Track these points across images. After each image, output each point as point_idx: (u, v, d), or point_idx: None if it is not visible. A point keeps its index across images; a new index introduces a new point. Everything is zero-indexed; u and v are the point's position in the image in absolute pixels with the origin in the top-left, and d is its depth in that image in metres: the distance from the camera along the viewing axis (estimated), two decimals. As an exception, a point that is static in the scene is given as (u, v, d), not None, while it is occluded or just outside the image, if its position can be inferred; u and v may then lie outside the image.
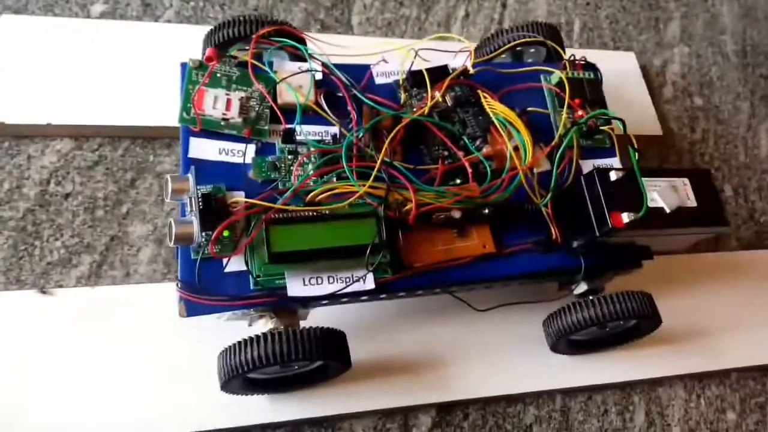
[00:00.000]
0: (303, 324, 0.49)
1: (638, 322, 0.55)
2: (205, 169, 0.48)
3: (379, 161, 0.47)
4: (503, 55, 0.65)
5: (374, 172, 0.47)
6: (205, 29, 0.57)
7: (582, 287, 0.56)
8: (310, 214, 0.46)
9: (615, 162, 0.58)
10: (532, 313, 0.57)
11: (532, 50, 0.65)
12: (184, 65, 0.50)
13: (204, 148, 0.49)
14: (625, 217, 0.47)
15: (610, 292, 0.54)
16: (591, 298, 0.54)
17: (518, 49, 0.65)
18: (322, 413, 0.54)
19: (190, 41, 0.58)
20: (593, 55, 0.63)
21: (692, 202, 0.50)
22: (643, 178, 0.49)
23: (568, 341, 0.56)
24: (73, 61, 0.50)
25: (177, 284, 0.45)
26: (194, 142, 0.49)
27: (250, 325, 0.50)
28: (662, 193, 0.49)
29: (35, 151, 0.60)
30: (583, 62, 0.62)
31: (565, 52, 0.65)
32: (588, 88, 0.59)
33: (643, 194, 0.47)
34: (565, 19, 0.81)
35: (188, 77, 0.50)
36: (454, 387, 0.56)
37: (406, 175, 0.49)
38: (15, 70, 0.61)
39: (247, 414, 0.52)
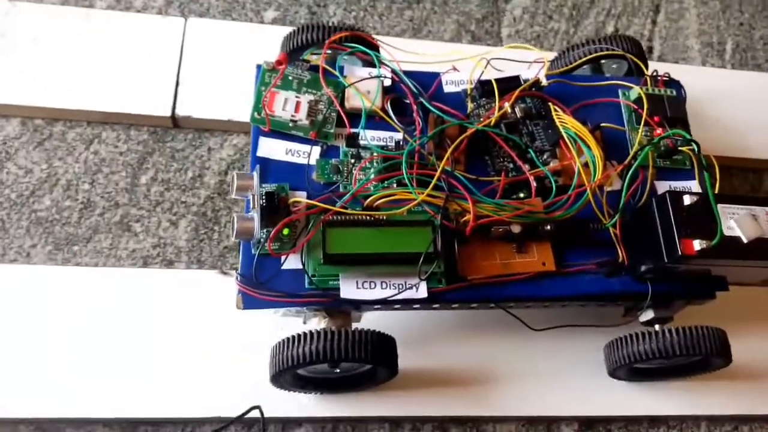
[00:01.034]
0: (355, 326, 0.50)
1: (707, 358, 0.52)
2: (271, 168, 0.50)
3: (439, 170, 0.47)
4: (583, 68, 0.63)
5: (434, 181, 0.47)
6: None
7: (648, 315, 0.53)
8: (367, 218, 0.47)
9: (693, 185, 0.55)
10: (591, 337, 0.55)
11: (614, 65, 0.63)
12: (259, 67, 0.52)
13: (272, 148, 0.51)
14: (697, 245, 0.45)
15: (681, 322, 0.51)
16: (658, 328, 0.52)
17: (602, 62, 0.63)
18: (358, 413, 0.54)
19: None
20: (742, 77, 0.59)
21: (775, 233, 0.47)
22: (720, 205, 0.47)
23: (629, 369, 0.54)
24: (248, 62, 0.53)
25: (236, 277, 0.46)
26: (263, 141, 0.51)
27: (304, 322, 0.51)
28: (740, 222, 0.46)
29: (215, 143, 0.65)
30: (666, 78, 0.59)
31: (647, 67, 0.62)
32: (669, 105, 0.56)
33: (718, 221, 0.45)
34: (717, 38, 0.79)
35: (261, 79, 0.52)
36: (498, 403, 0.55)
37: (466, 186, 0.48)
38: (201, 69, 0.65)
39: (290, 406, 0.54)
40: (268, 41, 0.61)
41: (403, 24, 0.74)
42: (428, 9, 0.74)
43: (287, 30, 0.57)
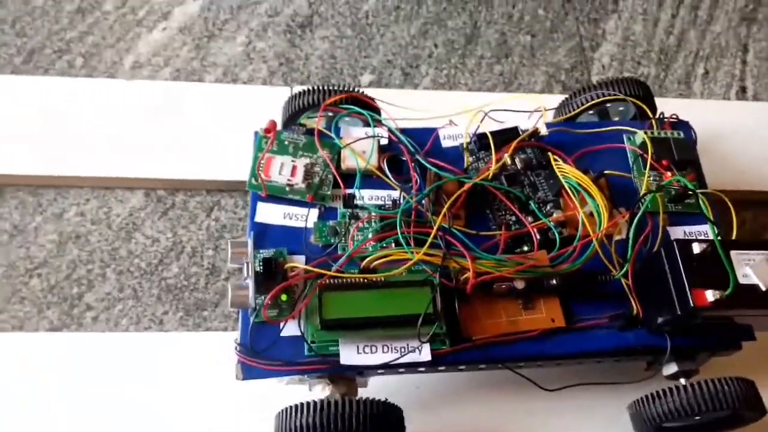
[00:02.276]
0: (362, 392, 0.48)
1: (738, 412, 0.49)
2: (270, 233, 0.50)
3: (435, 227, 0.46)
4: (591, 114, 0.62)
5: (430, 239, 0.46)
6: (457, 94, 0.64)
7: (672, 368, 0.50)
8: (364, 281, 0.46)
9: (708, 230, 0.52)
10: (611, 395, 0.52)
11: (620, 108, 0.62)
12: (256, 134, 0.53)
13: (270, 213, 0.51)
14: (710, 296, 0.42)
15: (709, 372, 0.48)
16: (683, 383, 0.49)
17: (608, 106, 0.61)
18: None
19: (445, 105, 0.58)
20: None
21: (796, 279, 0.44)
22: (734, 251, 0.44)
23: (658, 429, 0.50)
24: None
25: (235, 347, 0.45)
26: (261, 206, 0.51)
27: (310, 389, 0.50)
28: (757, 268, 0.43)
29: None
30: (674, 120, 0.57)
31: (655, 110, 0.60)
32: (676, 148, 0.54)
33: (729, 270, 0.42)
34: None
35: (258, 145, 0.52)
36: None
37: (463, 242, 0.47)
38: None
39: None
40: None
41: (494, 79, 0.76)
42: (516, 62, 0.76)
43: (383, 92, 0.58)
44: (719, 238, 0.44)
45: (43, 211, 0.63)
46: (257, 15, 0.76)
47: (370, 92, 0.59)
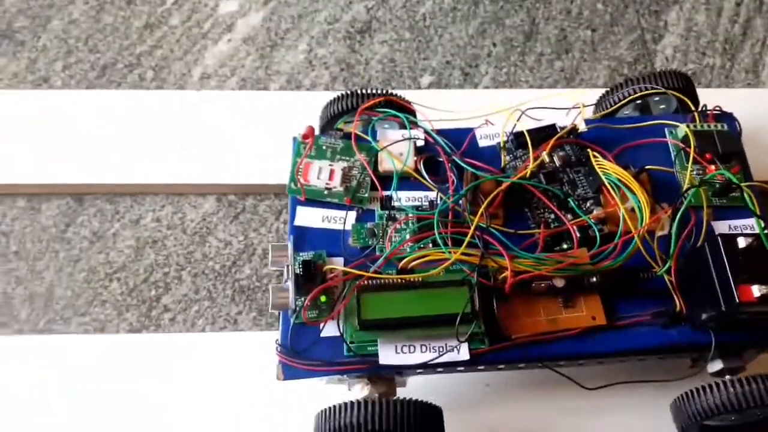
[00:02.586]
0: (401, 392, 0.49)
1: (789, 412, 0.47)
2: (309, 236, 0.51)
3: (472, 227, 0.46)
4: (626, 111, 0.61)
5: (467, 239, 0.46)
6: (519, 92, 0.65)
7: (717, 365, 0.49)
8: (402, 281, 0.46)
9: (755, 223, 0.51)
10: (655, 393, 0.51)
11: (662, 103, 0.60)
12: (294, 139, 0.54)
13: (309, 216, 0.52)
14: (756, 291, 0.41)
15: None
16: (728, 378, 0.47)
17: (649, 101, 0.60)
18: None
19: (504, 103, 0.58)
20: None
21: None
22: (782, 244, 0.43)
23: (701, 427, 0.49)
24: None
25: (276, 348, 0.47)
26: (300, 210, 0.52)
27: (349, 389, 0.50)
28: (806, 262, 0.42)
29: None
30: (717, 112, 0.56)
31: (698, 103, 0.59)
32: (720, 140, 0.53)
33: (776, 264, 0.41)
34: None
35: (297, 150, 0.53)
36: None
37: (502, 241, 0.47)
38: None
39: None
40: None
41: (555, 75, 0.76)
42: (577, 58, 0.77)
43: (443, 93, 0.58)
44: (766, 231, 0.43)
45: (121, 218, 0.67)
46: (317, 23, 0.79)
47: (410, 94, 0.59)
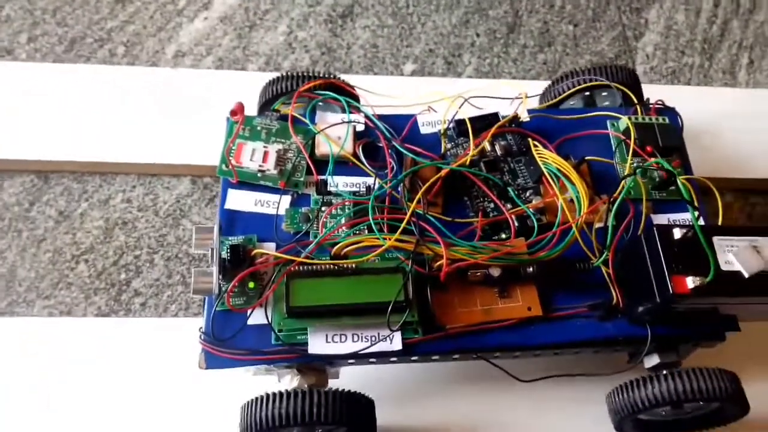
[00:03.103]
0: (336, 384, 0.47)
1: (721, 407, 0.47)
2: (240, 220, 0.49)
3: (408, 213, 0.45)
4: (572, 102, 0.60)
5: (402, 225, 0.44)
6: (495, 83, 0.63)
7: (654, 360, 0.49)
8: (334, 267, 0.44)
9: (691, 215, 0.51)
10: (590, 387, 0.50)
11: (606, 95, 0.60)
12: (228, 119, 0.52)
13: (241, 199, 0.49)
14: (690, 282, 0.41)
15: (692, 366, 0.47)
16: (664, 372, 0.47)
17: (593, 93, 0.60)
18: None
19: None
20: None
21: (781, 266, 0.42)
22: (717, 237, 0.43)
23: (635, 421, 0.49)
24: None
25: (200, 335, 0.44)
26: (232, 193, 0.50)
27: (279, 381, 0.48)
28: (740, 255, 0.42)
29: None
30: (659, 106, 0.56)
31: (642, 97, 0.59)
32: (661, 134, 0.53)
33: (709, 255, 0.41)
34: None
35: (230, 130, 0.51)
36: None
37: (438, 229, 0.46)
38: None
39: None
40: (408, 92, 0.59)
41: (538, 67, 0.76)
42: (560, 51, 0.76)
43: (425, 80, 0.58)
44: (701, 223, 0.43)
45: (89, 197, 0.63)
46: (298, 5, 0.77)
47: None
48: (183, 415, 0.53)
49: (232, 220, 0.48)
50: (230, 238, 0.47)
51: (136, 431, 0.52)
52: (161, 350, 0.55)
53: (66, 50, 0.71)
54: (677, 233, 0.42)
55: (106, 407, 0.53)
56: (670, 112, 0.56)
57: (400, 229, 0.44)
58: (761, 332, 0.53)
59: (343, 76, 0.57)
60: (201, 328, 0.44)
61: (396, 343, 0.44)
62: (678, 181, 0.46)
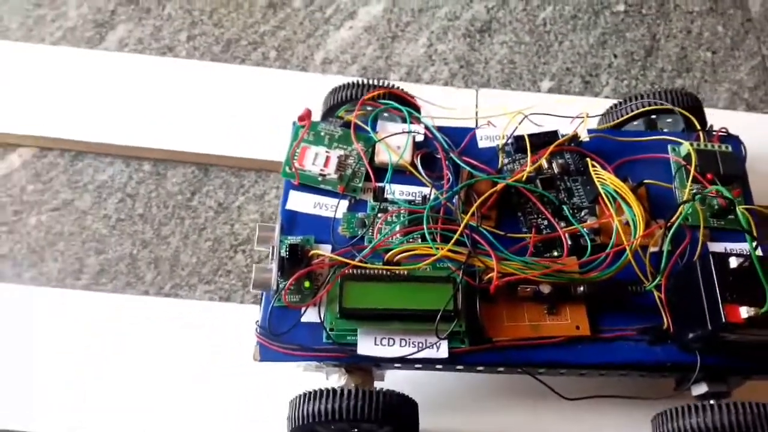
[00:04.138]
0: (379, 386, 0.48)
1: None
2: (299, 221, 0.50)
3: (462, 225, 0.46)
4: (635, 123, 0.60)
5: (456, 236, 0.45)
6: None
7: (701, 389, 0.48)
8: (387, 272, 0.46)
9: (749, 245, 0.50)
10: (634, 411, 0.50)
11: (669, 120, 0.60)
12: (294, 124, 0.54)
13: (301, 201, 0.51)
14: (744, 312, 0.40)
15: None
16: (711, 402, 0.47)
17: (656, 117, 0.60)
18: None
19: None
20: None
21: (842, 302, 0.41)
22: (775, 268, 0.42)
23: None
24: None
25: (256, 328, 0.46)
26: (293, 195, 0.52)
27: (327, 378, 0.50)
28: (798, 288, 0.41)
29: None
30: (723, 133, 0.55)
31: (705, 123, 0.58)
32: (722, 161, 0.52)
33: (765, 285, 0.40)
34: None
35: (295, 134, 0.53)
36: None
37: (490, 242, 0.46)
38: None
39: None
40: (544, 109, 0.60)
41: (647, 87, 0.76)
42: (698, 77, 0.77)
43: (562, 98, 0.61)
44: (758, 253, 0.42)
45: (246, 191, 0.67)
46: (437, 18, 0.80)
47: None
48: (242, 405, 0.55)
49: (292, 221, 0.50)
50: (289, 238, 0.49)
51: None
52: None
53: (223, 50, 0.76)
54: (734, 262, 0.42)
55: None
56: (734, 140, 0.55)
57: (453, 240, 0.45)
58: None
59: (482, 90, 0.59)
60: (257, 321, 0.46)
61: (442, 351, 0.45)
62: (737, 210, 0.45)
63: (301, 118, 0.50)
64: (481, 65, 0.76)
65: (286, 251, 0.47)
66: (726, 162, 0.52)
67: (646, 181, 0.51)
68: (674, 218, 0.48)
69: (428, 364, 0.46)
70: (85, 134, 0.68)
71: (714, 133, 0.55)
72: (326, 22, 0.78)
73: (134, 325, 0.58)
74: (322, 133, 0.53)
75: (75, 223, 0.64)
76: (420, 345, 0.45)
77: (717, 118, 0.59)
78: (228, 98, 0.70)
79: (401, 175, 0.52)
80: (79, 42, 0.75)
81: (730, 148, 0.54)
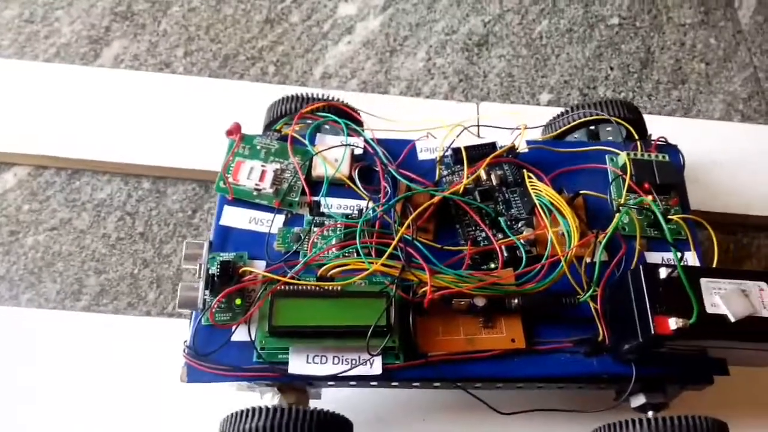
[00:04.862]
0: (315, 404, 0.47)
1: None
2: (233, 237, 0.49)
3: (396, 238, 0.45)
4: (576, 135, 0.60)
5: (389, 250, 0.45)
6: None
7: (640, 400, 0.48)
8: (319, 289, 0.45)
9: (690, 256, 0.50)
10: (570, 422, 0.49)
11: (610, 130, 0.60)
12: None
13: (236, 216, 0.50)
14: (673, 323, 0.40)
15: (682, 408, 0.46)
16: (649, 416, 0.46)
17: (593, 127, 0.60)
18: None
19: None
20: None
21: (769, 312, 0.41)
22: (706, 279, 0.42)
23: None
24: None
25: (184, 348, 0.45)
26: (227, 210, 0.51)
27: (261, 397, 0.49)
28: (726, 298, 0.41)
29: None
30: (661, 143, 0.55)
31: (645, 133, 0.59)
32: (659, 171, 0.52)
33: (692, 297, 0.40)
34: None
35: (229, 149, 0.52)
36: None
37: (425, 255, 0.46)
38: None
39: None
40: (543, 121, 0.62)
41: (672, 104, 0.77)
42: (693, 89, 0.78)
43: (561, 111, 0.60)
44: (683, 263, 0.42)
45: None
46: (435, 32, 0.80)
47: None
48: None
49: (226, 237, 0.49)
50: (222, 255, 0.48)
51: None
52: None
53: (221, 66, 0.75)
54: (663, 272, 0.42)
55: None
56: (672, 149, 0.55)
57: (386, 254, 0.45)
58: (754, 378, 0.52)
59: (482, 104, 0.58)
60: (185, 341, 0.45)
61: (376, 367, 0.44)
62: (661, 220, 0.45)
63: (229, 132, 0.49)
64: (480, 79, 0.76)
65: (217, 268, 0.46)
66: (662, 171, 0.52)
67: (582, 191, 0.51)
68: (609, 228, 0.47)
69: (362, 381, 0.45)
70: (82, 152, 0.66)
71: (652, 142, 0.55)
72: (324, 37, 0.78)
73: (137, 346, 0.56)
74: (258, 147, 0.52)
75: (73, 242, 0.63)
76: (353, 362, 0.44)
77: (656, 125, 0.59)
78: (227, 114, 0.65)
79: (339, 188, 0.52)
80: (74, 58, 0.74)
81: (667, 158, 0.54)
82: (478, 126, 0.56)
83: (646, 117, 0.66)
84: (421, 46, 0.78)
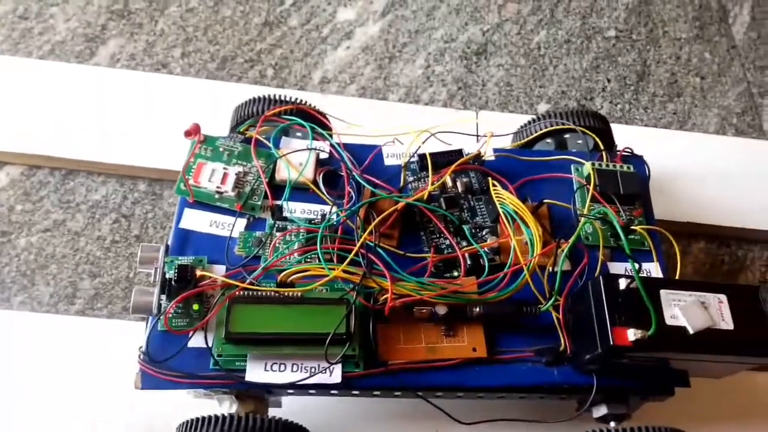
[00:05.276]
0: (274, 412, 0.46)
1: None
2: (193, 240, 0.48)
3: (358, 244, 0.45)
4: (547, 142, 0.60)
5: (350, 256, 0.44)
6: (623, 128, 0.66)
7: (601, 410, 0.48)
8: (278, 295, 0.44)
9: (653, 267, 0.50)
10: (532, 432, 0.49)
11: (579, 140, 0.60)
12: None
13: (196, 219, 0.49)
14: (631, 335, 0.40)
15: (643, 419, 0.46)
16: (611, 427, 0.46)
17: (563, 137, 0.60)
18: None
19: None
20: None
21: (728, 324, 0.42)
22: (666, 290, 0.42)
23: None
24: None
25: (139, 355, 0.44)
26: (188, 213, 0.49)
27: (219, 405, 0.48)
28: (686, 310, 0.41)
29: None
30: (626, 153, 0.56)
31: (612, 143, 0.59)
32: (623, 181, 0.52)
33: (650, 309, 0.40)
34: None
35: (190, 150, 0.51)
36: None
37: (387, 262, 0.45)
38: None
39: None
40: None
41: (668, 117, 0.77)
42: (689, 103, 0.78)
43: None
44: (647, 274, 0.42)
45: None
46: (434, 40, 0.80)
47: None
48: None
49: (185, 240, 0.48)
50: (180, 258, 0.47)
51: None
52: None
53: (218, 68, 0.74)
54: (622, 283, 0.42)
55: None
56: (638, 159, 0.56)
57: (347, 261, 0.44)
58: (715, 389, 0.52)
59: (482, 112, 0.58)
60: (140, 347, 0.44)
61: (336, 376, 0.44)
62: (619, 231, 0.45)
63: (188, 133, 0.48)
64: (478, 87, 0.77)
65: (174, 272, 0.45)
66: (627, 182, 0.52)
67: (546, 200, 0.51)
68: (571, 238, 0.47)
69: (322, 389, 0.45)
70: (77, 152, 0.65)
71: (618, 152, 0.55)
72: (323, 42, 0.78)
73: (132, 351, 0.54)
74: (221, 149, 0.51)
75: (67, 244, 0.62)
76: (313, 370, 0.44)
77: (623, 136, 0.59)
78: (225, 116, 0.65)
79: (303, 193, 0.51)
80: (69, 56, 0.73)
81: (632, 168, 0.54)
82: (446, 132, 0.55)
83: (641, 129, 0.68)
84: (420, 54, 0.79)
